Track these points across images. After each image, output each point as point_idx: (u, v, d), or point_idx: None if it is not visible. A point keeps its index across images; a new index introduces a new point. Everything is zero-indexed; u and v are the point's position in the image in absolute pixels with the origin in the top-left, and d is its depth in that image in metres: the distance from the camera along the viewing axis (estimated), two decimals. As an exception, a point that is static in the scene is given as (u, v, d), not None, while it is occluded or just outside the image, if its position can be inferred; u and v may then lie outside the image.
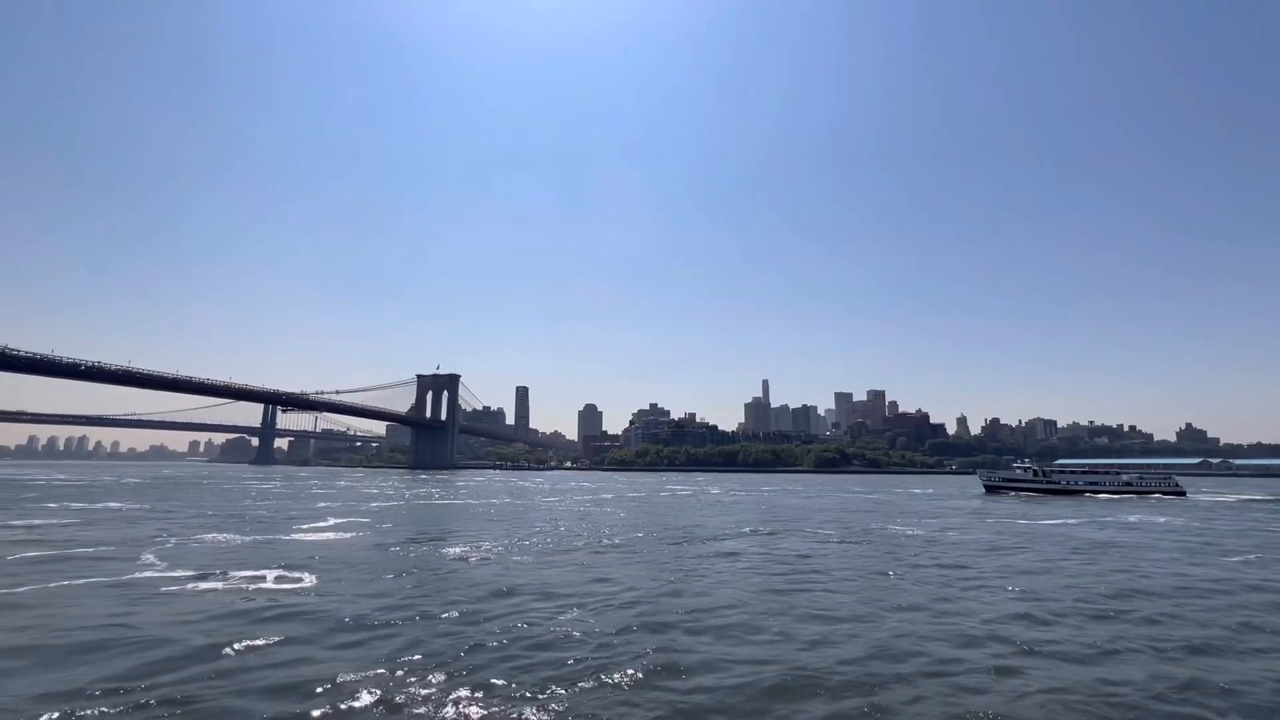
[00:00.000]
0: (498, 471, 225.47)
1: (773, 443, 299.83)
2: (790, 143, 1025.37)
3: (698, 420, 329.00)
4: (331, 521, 36.38)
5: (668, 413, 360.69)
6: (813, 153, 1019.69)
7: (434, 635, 13.16)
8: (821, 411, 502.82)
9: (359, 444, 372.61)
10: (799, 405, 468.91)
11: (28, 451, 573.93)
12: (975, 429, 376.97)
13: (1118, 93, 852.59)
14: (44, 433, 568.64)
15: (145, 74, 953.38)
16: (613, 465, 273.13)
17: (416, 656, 11.62)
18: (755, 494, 76.13)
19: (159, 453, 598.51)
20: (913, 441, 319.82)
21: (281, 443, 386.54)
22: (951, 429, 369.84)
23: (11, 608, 15.23)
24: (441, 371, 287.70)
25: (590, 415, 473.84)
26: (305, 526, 34.01)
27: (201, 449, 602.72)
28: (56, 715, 8.75)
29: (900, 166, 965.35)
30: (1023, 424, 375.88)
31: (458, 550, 25.94)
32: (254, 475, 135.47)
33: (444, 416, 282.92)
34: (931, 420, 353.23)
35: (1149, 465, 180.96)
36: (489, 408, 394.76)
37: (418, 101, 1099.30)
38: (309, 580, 19.49)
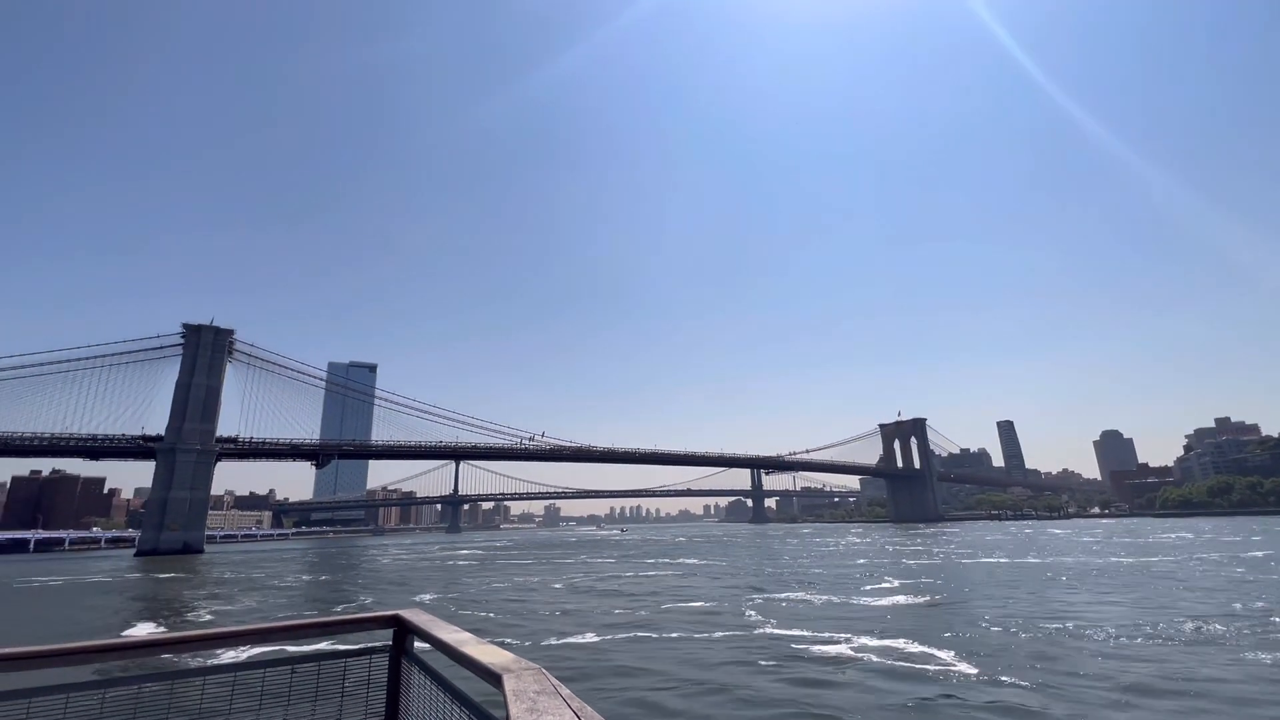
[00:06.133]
0: (1007, 522, 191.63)
1: None
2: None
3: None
4: (895, 583, 32.49)
5: (1254, 427, 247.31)
6: None
7: None
8: None
9: (836, 499, 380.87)
10: None
11: (610, 518, 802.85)
12: None
13: None
14: (617, 504, 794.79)
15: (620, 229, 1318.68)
16: (1170, 508, 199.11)
17: None
18: None
19: (684, 515, 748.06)
20: None
21: (770, 502, 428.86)
22: None
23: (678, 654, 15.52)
24: (904, 417, 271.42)
25: (1114, 444, 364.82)
26: (868, 588, 31.00)
27: (712, 511, 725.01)
28: None
29: None
30: None
31: (1109, 631, 17.73)
32: (762, 533, 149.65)
33: (917, 464, 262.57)
34: None
35: None
36: (968, 450, 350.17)
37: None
38: (941, 653, 15.11)
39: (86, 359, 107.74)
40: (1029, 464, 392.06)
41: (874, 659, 15.39)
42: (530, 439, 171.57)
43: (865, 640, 17.71)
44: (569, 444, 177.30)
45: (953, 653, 15.88)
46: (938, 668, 14.39)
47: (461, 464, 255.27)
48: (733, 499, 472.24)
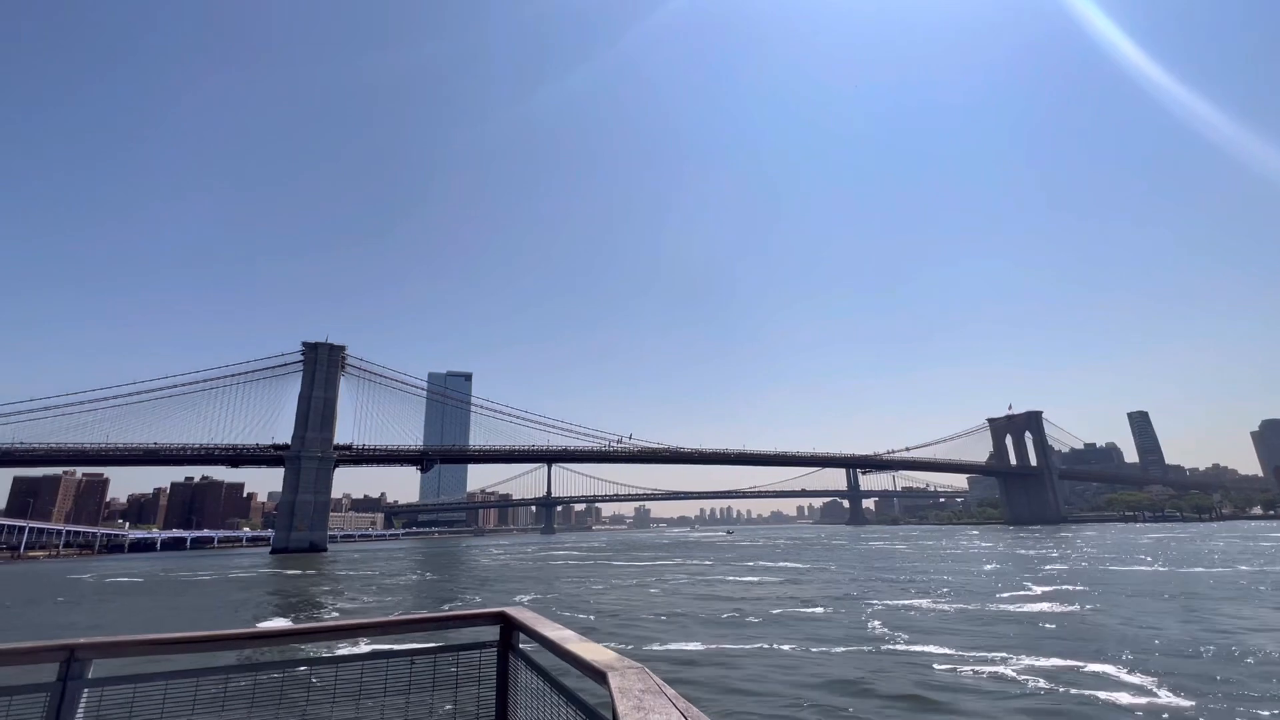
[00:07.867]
0: (1147, 524, 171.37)
1: None
2: None
3: None
4: (1035, 590, 28.92)
5: None
6: None
7: None
8: None
9: (941, 499, 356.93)
10: None
11: (700, 520, 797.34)
12: None
13: None
14: (707, 506, 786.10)
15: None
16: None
17: None
18: None
19: (777, 517, 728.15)
20: None
21: (868, 503, 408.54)
22: None
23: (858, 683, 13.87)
24: (1015, 411, 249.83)
25: (1278, 434, 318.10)
26: (1007, 595, 27.71)
27: (806, 512, 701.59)
28: None
29: None
30: None
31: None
32: (863, 535, 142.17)
33: (1033, 461, 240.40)
34: None
35: None
36: (1093, 445, 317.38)
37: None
38: (1132, 677, 12.53)
39: (224, 377, 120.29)
40: (1169, 460, 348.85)
41: (1043, 684, 13.09)
42: (619, 441, 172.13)
43: (1026, 659, 15.28)
44: (659, 445, 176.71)
45: (1145, 676, 13.26)
46: (1142, 701, 11.93)
47: (553, 467, 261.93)
48: (828, 500, 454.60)
